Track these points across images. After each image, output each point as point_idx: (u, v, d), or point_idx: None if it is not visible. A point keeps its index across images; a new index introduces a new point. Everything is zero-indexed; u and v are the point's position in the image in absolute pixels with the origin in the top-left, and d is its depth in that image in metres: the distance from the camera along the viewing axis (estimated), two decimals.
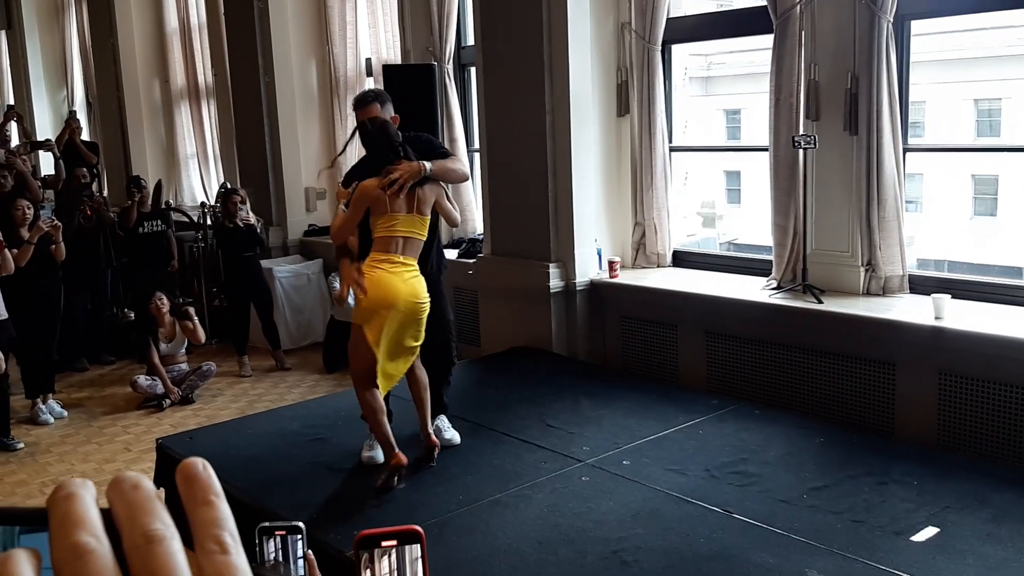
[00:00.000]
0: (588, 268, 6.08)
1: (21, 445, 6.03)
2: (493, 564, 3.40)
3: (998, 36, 11.49)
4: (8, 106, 10.76)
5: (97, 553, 0.39)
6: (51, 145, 8.93)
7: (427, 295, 4.04)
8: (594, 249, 6.14)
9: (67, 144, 9.12)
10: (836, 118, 5.09)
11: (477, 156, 6.75)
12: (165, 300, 6.88)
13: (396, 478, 4.03)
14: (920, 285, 5.07)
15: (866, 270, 5.17)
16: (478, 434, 4.66)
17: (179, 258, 8.31)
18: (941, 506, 3.66)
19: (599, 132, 6.19)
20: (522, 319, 6.15)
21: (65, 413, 6.65)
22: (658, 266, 6.25)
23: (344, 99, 8.16)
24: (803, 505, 3.73)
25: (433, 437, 4.28)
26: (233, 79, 8.96)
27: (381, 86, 6.96)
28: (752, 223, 13.29)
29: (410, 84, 6.20)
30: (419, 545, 0.70)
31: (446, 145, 5.64)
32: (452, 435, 4.53)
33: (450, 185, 4.67)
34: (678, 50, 6.39)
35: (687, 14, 6.30)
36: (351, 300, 4.10)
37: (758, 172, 6.84)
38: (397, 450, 4.01)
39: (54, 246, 6.31)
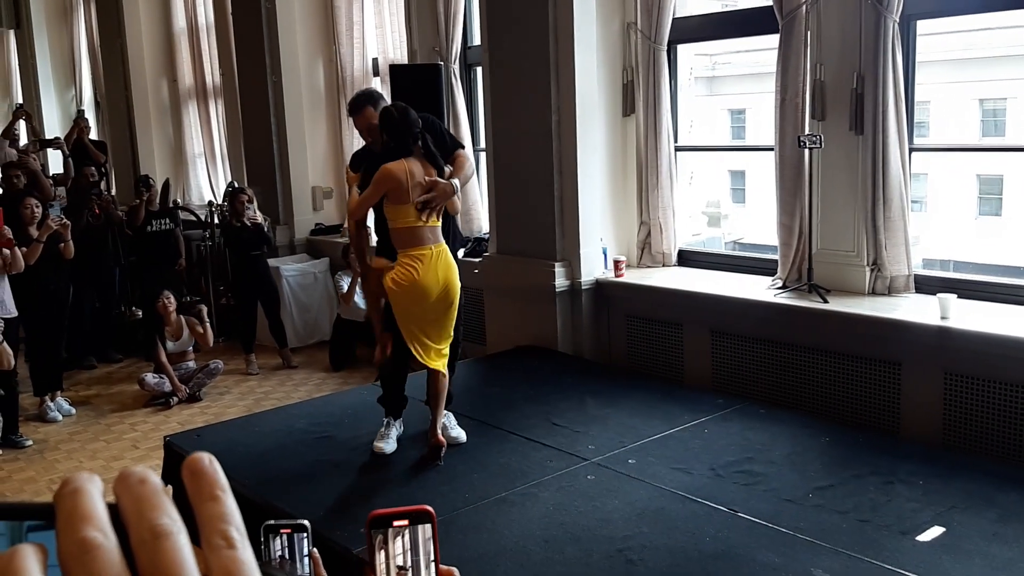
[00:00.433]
0: (594, 267, 6.09)
1: (30, 442, 6.07)
2: (499, 562, 3.41)
3: (1004, 36, 11.46)
4: (17, 105, 10.82)
5: (104, 548, 0.39)
6: (60, 143, 8.97)
7: (457, 275, 4.25)
8: (599, 248, 6.14)
9: (75, 143, 9.16)
10: (842, 118, 5.09)
11: (483, 156, 6.76)
12: (172, 299, 6.90)
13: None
14: (925, 285, 5.07)
15: (871, 270, 5.17)
16: (484, 433, 4.67)
17: (186, 257, 8.34)
18: (947, 506, 3.66)
19: (605, 132, 6.20)
20: (528, 318, 6.16)
21: (73, 411, 6.69)
22: (663, 265, 6.26)
23: None
24: (808, 504, 3.73)
25: (440, 436, 4.30)
26: (241, 79, 8.98)
27: (388, 86, 6.98)
28: (757, 223, 13.29)
29: (416, 84, 6.22)
30: (430, 525, 0.70)
31: None
32: (458, 433, 4.55)
33: None
34: (684, 50, 6.39)
35: (693, 14, 6.30)
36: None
37: (763, 172, 6.85)
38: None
39: (63, 244, 6.34)
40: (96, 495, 0.41)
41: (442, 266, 4.18)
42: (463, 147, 4.59)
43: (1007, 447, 4.39)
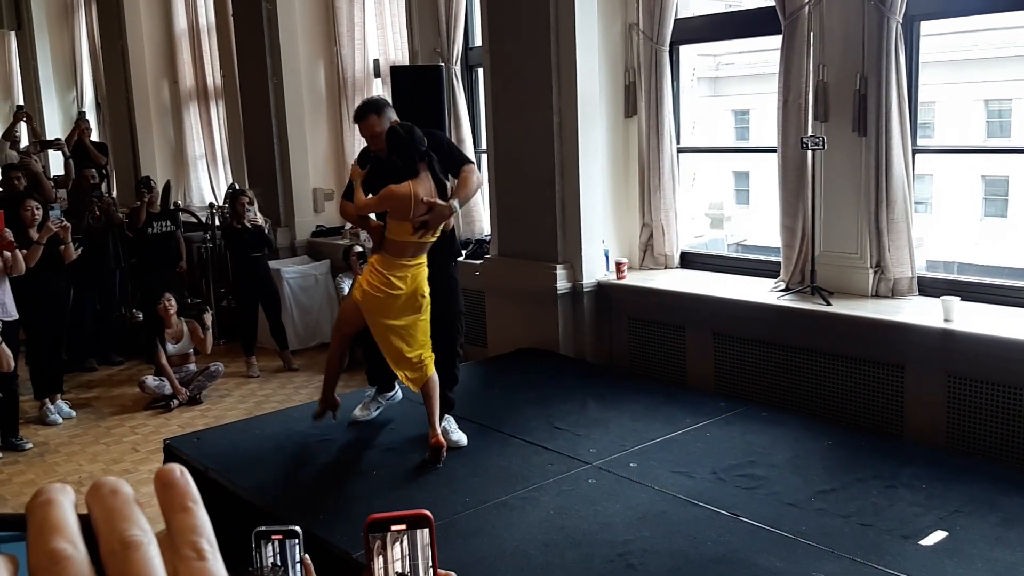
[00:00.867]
0: (595, 269, 6.08)
1: (30, 445, 6.05)
2: (499, 566, 3.39)
3: (1008, 37, 11.44)
4: (18, 106, 10.83)
5: (73, 560, 0.39)
6: (61, 144, 8.97)
7: (426, 289, 4.31)
8: (601, 250, 6.13)
9: (76, 145, 9.16)
10: (845, 119, 5.07)
11: (484, 157, 6.75)
12: (173, 301, 6.89)
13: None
14: (929, 287, 5.05)
15: (875, 272, 5.15)
16: (485, 436, 4.65)
17: (187, 259, 8.33)
18: (950, 510, 3.64)
19: (607, 133, 6.18)
20: (529, 320, 6.14)
21: (73, 413, 6.68)
22: (666, 267, 6.24)
23: (352, 100, 8.16)
24: (810, 508, 3.71)
25: (440, 437, 4.29)
26: (241, 80, 8.98)
27: (389, 87, 6.97)
28: (760, 224, 13.27)
29: (418, 85, 6.20)
30: (428, 530, 0.70)
31: None
32: (459, 437, 4.53)
33: None
34: (686, 51, 6.38)
35: (695, 15, 6.28)
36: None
37: (766, 173, 6.83)
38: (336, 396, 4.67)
39: (63, 247, 6.33)
40: (67, 506, 0.42)
41: (412, 277, 4.29)
42: (471, 162, 4.64)
43: (1011, 451, 4.36)
